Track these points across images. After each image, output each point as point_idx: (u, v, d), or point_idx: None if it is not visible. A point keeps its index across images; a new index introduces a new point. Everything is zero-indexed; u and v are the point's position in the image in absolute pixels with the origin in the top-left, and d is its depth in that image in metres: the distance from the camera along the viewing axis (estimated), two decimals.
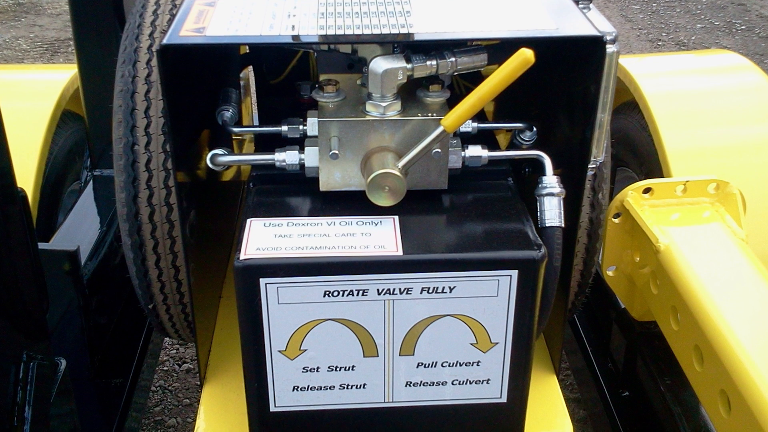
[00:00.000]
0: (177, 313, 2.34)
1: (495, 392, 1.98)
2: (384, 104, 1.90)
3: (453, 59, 1.91)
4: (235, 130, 2.17)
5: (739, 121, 3.14)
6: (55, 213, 3.41)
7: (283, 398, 1.95)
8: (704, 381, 2.09)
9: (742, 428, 1.89)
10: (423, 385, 1.96)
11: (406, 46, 1.91)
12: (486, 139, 2.12)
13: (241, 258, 1.77)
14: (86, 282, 2.68)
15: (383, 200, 1.87)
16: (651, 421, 2.53)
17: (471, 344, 1.91)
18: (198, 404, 2.27)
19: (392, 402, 1.99)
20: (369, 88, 1.91)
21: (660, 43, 8.62)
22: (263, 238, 1.83)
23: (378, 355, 1.91)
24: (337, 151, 1.91)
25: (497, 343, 1.91)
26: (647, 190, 2.44)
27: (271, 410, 1.96)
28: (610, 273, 2.61)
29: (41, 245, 2.17)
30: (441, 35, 1.85)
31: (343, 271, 1.79)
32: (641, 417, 2.61)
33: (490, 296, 1.84)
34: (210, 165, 2.04)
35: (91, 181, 3.54)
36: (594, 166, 1.95)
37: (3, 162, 1.83)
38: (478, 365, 1.94)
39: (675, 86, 3.35)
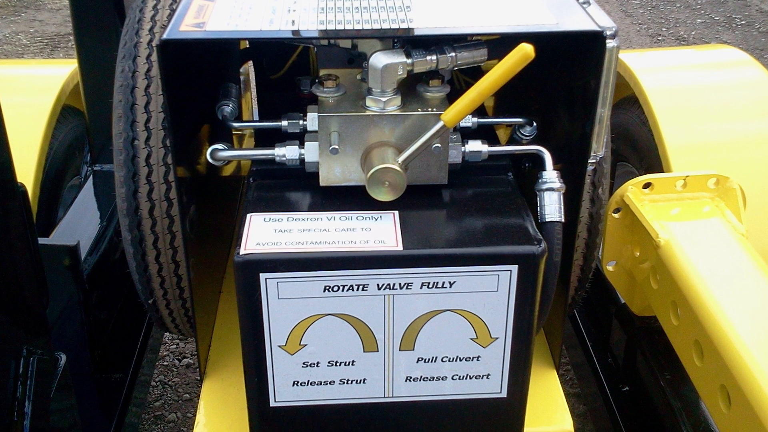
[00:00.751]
0: (177, 308, 2.34)
1: (495, 387, 1.98)
2: (384, 99, 1.90)
3: (453, 54, 1.91)
4: (235, 125, 2.17)
5: (739, 116, 3.14)
6: (55, 208, 3.41)
7: (283, 393, 1.95)
8: (704, 376, 2.09)
9: (742, 423, 1.89)
10: (423, 380, 1.97)
11: (406, 41, 1.91)
12: (486, 134, 2.12)
13: (241, 253, 1.77)
14: (86, 277, 2.68)
15: (383, 195, 1.87)
16: (651, 416, 2.53)
17: (471, 339, 1.91)
18: (198, 399, 2.27)
19: (392, 397, 1.99)
20: (369, 83, 1.91)
21: (660, 38, 8.62)
22: (263, 233, 1.83)
23: (378, 350, 1.91)
24: (337, 146, 1.91)
25: (497, 338, 1.91)
26: (647, 185, 2.44)
27: (271, 405, 1.96)
28: (610, 268, 2.62)
29: (41, 240, 2.17)
30: (441, 30, 1.85)
31: (343, 266, 1.79)
32: (641, 412, 2.61)
33: (490, 291, 1.84)
34: (210, 160, 2.04)
35: (91, 176, 3.54)
36: (594, 161, 1.95)
37: (3, 157, 1.83)
38: (478, 360, 1.94)
39: (675, 81, 3.35)
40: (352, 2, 1.97)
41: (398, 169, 1.83)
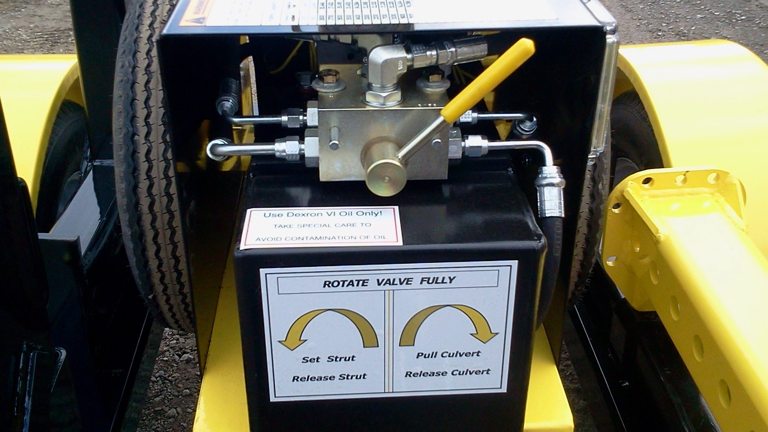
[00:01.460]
0: (177, 303, 2.34)
1: (495, 382, 1.99)
2: (384, 94, 1.90)
3: (453, 49, 1.91)
4: (235, 120, 2.17)
5: (739, 111, 3.14)
6: (55, 203, 3.41)
7: (283, 388, 1.95)
8: (704, 371, 2.10)
9: (742, 418, 1.89)
10: (423, 375, 1.97)
11: (406, 37, 1.91)
12: (486, 129, 2.12)
13: (241, 248, 1.77)
14: (86, 272, 2.68)
15: (383, 190, 1.87)
16: (651, 411, 2.53)
17: (471, 334, 1.91)
18: (198, 394, 2.28)
19: (392, 392, 1.99)
20: (369, 79, 1.91)
21: (660, 34, 8.61)
22: (263, 228, 1.83)
23: (378, 346, 1.91)
24: (337, 142, 1.91)
25: (497, 334, 1.91)
26: (647, 181, 2.44)
27: (271, 400, 1.97)
28: (610, 263, 2.62)
29: (41, 235, 2.17)
30: (441, 25, 1.85)
31: (343, 261, 1.79)
32: (641, 407, 2.61)
33: (490, 286, 1.84)
34: (210, 155, 2.04)
35: (91, 172, 3.54)
36: (594, 156, 1.95)
37: (3, 152, 1.83)
38: (478, 355, 1.94)
39: (675, 76, 3.35)
40: None
41: (398, 164, 1.83)
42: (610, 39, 1.79)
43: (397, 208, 1.91)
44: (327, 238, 1.81)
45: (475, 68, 2.30)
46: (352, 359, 1.93)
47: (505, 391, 2.00)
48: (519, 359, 1.96)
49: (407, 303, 1.85)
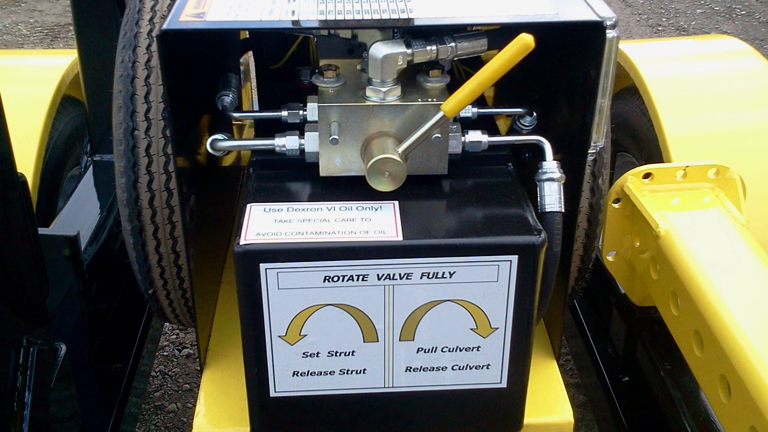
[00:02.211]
0: (177, 298, 2.34)
1: (495, 377, 1.99)
2: (384, 89, 1.90)
3: (453, 44, 1.91)
4: (235, 115, 2.17)
5: (739, 106, 3.14)
6: (55, 198, 3.41)
7: (283, 383, 1.95)
8: (704, 366, 2.10)
9: (742, 413, 1.89)
10: (423, 370, 1.97)
11: (406, 31, 1.91)
12: (486, 124, 2.12)
13: (241, 243, 1.78)
14: (86, 267, 2.68)
15: (383, 185, 1.87)
16: (651, 406, 2.53)
17: (471, 329, 1.91)
18: (198, 389, 2.28)
19: (392, 387, 1.99)
20: (369, 74, 1.91)
21: (660, 29, 8.61)
22: (263, 223, 1.83)
23: (378, 341, 1.91)
24: (337, 137, 1.91)
25: (497, 329, 1.91)
26: (647, 176, 2.44)
27: (271, 395, 1.97)
28: (610, 258, 2.62)
29: (41, 230, 2.17)
30: (441, 20, 1.85)
31: (343, 256, 1.79)
32: (641, 402, 2.61)
33: (490, 281, 1.84)
34: (210, 150, 2.04)
35: (91, 167, 3.53)
36: (594, 151, 1.95)
37: (3, 147, 1.83)
38: (478, 350, 1.94)
39: (675, 71, 3.34)
40: None
41: (398, 159, 1.83)
42: (610, 34, 1.79)
43: (397, 203, 1.91)
44: (327, 233, 1.81)
45: (475, 63, 2.29)
46: (352, 354, 1.93)
47: (505, 386, 2.00)
48: (519, 354, 1.96)
49: (407, 298, 1.85)
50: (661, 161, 2.92)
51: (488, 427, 2.09)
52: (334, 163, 1.97)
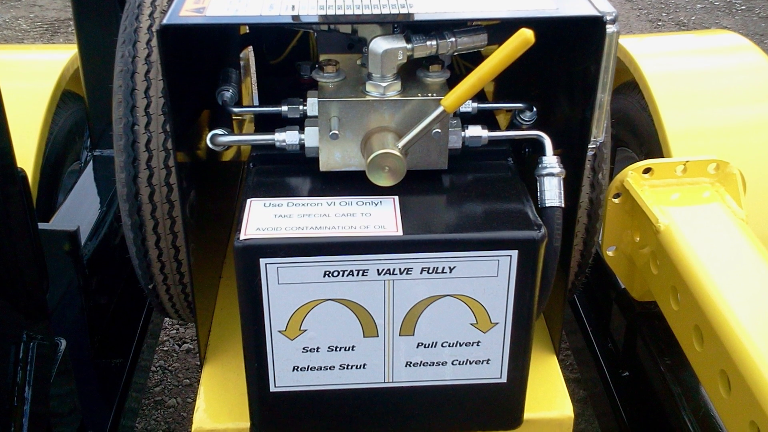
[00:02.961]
0: (177, 293, 2.34)
1: (495, 372, 1.99)
2: (384, 84, 1.90)
3: (453, 39, 1.91)
4: (235, 110, 2.17)
5: (739, 102, 3.14)
6: (55, 193, 3.41)
7: (283, 378, 1.95)
8: (704, 361, 2.10)
9: (742, 408, 1.89)
10: (423, 365, 1.97)
11: (406, 26, 1.91)
12: (486, 119, 2.12)
13: (241, 238, 1.78)
14: (86, 262, 2.68)
15: (383, 180, 1.87)
16: (651, 401, 2.53)
17: (471, 324, 1.91)
18: (198, 384, 2.28)
19: (392, 382, 1.99)
20: (369, 68, 1.91)
21: (660, 23, 8.61)
22: (263, 218, 1.83)
23: (378, 336, 1.91)
24: (337, 131, 1.91)
25: (497, 324, 1.91)
26: (647, 171, 2.44)
27: (271, 390, 1.97)
28: (610, 253, 2.62)
29: (41, 225, 2.17)
30: (441, 15, 1.84)
31: (343, 251, 1.79)
32: (641, 397, 2.62)
33: (490, 276, 1.84)
34: (210, 145, 2.04)
35: (91, 161, 3.54)
36: (594, 146, 1.95)
37: (3, 142, 1.83)
38: (478, 345, 1.94)
39: (675, 66, 3.34)
40: None
41: (398, 154, 1.83)
42: (610, 29, 1.79)
43: (397, 198, 1.91)
44: (327, 228, 1.81)
45: (475, 58, 2.29)
46: (352, 349, 1.93)
47: (505, 381, 2.00)
48: (519, 349, 1.96)
49: (407, 293, 1.85)
50: (661, 156, 2.92)
51: (488, 422, 2.09)
52: (334, 158, 1.97)
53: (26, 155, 3.05)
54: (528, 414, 2.10)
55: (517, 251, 1.81)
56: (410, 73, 1.99)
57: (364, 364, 1.96)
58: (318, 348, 1.92)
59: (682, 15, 8.80)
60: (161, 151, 2.10)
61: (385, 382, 1.99)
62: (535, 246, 1.82)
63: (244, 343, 1.91)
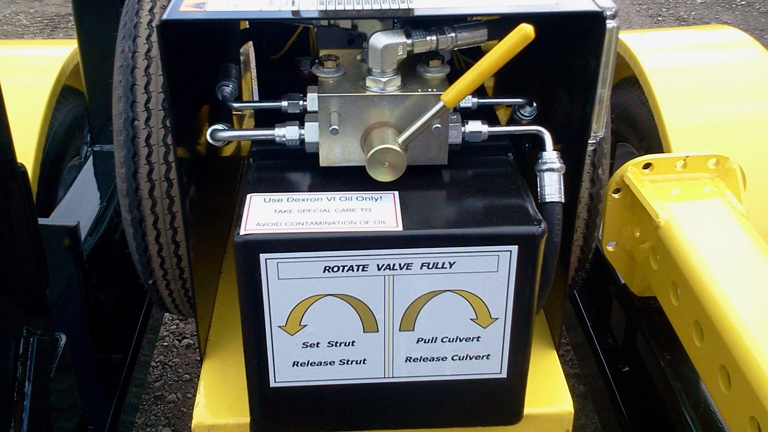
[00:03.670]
0: (177, 288, 2.34)
1: (495, 368, 1.99)
2: (384, 79, 1.90)
3: (453, 34, 1.90)
4: (235, 105, 2.17)
5: (739, 97, 3.14)
6: (55, 188, 3.41)
7: (283, 374, 1.95)
8: (704, 356, 2.10)
9: (742, 403, 1.89)
10: (423, 360, 1.97)
11: (406, 22, 1.91)
12: (486, 114, 2.12)
13: (241, 233, 1.78)
14: (86, 257, 2.68)
15: (383, 175, 1.87)
16: (651, 396, 2.53)
17: (471, 320, 1.91)
18: (198, 379, 2.28)
19: (392, 377, 1.99)
20: (369, 64, 1.91)
21: (660, 19, 8.61)
22: (263, 213, 1.83)
23: (378, 331, 1.91)
24: (337, 127, 1.91)
25: (497, 319, 1.91)
26: (647, 166, 2.44)
27: (271, 385, 1.97)
28: (610, 248, 2.62)
29: (41, 221, 2.17)
30: (441, 10, 1.85)
31: (343, 246, 1.79)
32: (641, 392, 2.62)
33: (490, 272, 1.84)
34: (210, 140, 2.04)
35: (91, 157, 3.53)
36: (594, 141, 1.95)
37: (3, 137, 1.83)
38: (478, 341, 1.94)
39: (675, 62, 3.34)
40: None
41: (398, 149, 1.83)
42: (610, 24, 1.79)
43: (397, 193, 1.91)
44: (327, 224, 1.81)
45: (475, 53, 2.29)
46: (352, 344, 1.93)
47: (505, 376, 2.00)
48: (519, 344, 1.96)
49: (407, 288, 1.85)
50: (661, 151, 2.92)
51: (488, 417, 2.10)
52: (334, 154, 1.97)
53: (26, 150, 3.05)
54: (528, 409, 2.10)
55: (517, 246, 1.81)
56: (410, 68, 1.99)
57: (364, 360, 1.96)
58: (318, 343, 1.92)
59: (682, 10, 8.80)
60: (161, 147, 2.10)
61: (385, 377, 1.99)
62: (535, 241, 1.82)
63: (244, 339, 1.91)
